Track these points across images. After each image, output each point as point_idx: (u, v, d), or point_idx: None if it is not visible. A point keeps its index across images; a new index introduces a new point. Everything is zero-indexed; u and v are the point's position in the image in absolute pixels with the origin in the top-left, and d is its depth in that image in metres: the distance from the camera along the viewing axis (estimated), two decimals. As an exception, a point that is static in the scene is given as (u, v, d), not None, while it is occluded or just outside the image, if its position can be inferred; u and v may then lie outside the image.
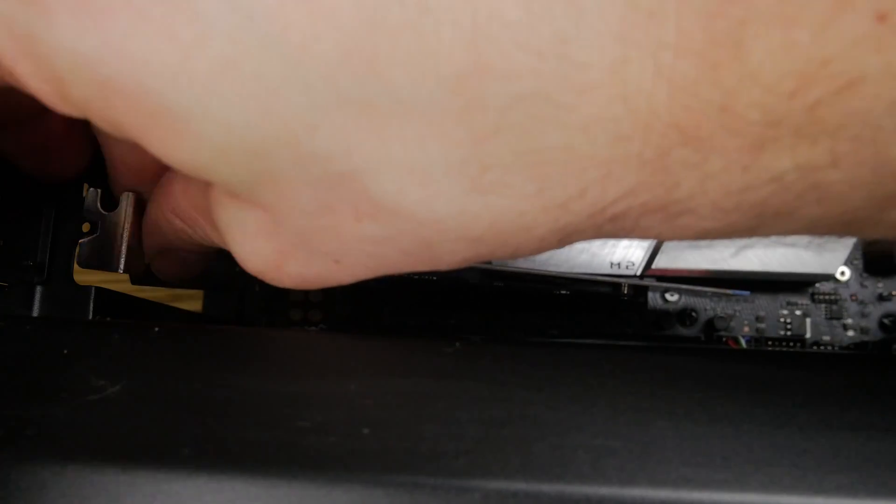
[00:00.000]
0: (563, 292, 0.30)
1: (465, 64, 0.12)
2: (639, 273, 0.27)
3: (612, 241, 0.27)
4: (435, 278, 0.29)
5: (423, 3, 0.11)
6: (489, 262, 0.27)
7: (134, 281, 0.23)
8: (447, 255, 0.14)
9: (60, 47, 0.11)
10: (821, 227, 0.13)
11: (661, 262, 0.27)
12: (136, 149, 0.13)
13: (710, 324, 0.30)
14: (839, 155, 0.12)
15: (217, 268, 0.29)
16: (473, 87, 0.12)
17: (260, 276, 0.16)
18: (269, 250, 0.15)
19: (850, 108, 0.11)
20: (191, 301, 0.34)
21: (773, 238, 0.27)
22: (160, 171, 0.18)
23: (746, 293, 0.30)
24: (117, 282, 0.23)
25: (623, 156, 0.12)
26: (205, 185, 0.16)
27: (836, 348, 0.30)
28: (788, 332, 0.30)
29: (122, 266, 0.20)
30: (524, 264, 0.28)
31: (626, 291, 0.27)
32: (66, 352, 0.15)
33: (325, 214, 0.13)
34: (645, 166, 0.12)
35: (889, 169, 0.12)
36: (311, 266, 0.15)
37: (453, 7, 0.11)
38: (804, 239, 0.27)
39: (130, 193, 0.20)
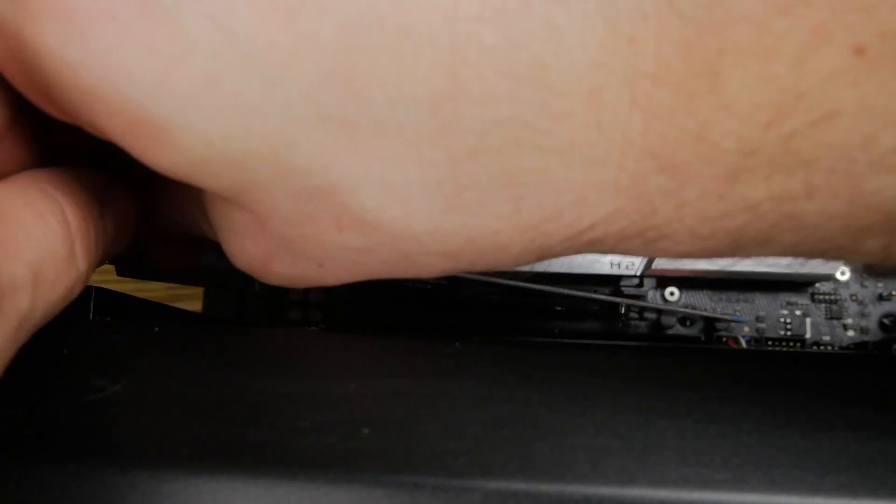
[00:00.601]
0: (559, 308, 0.30)
1: (443, 87, 0.12)
2: (639, 273, 0.27)
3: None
4: (429, 286, 0.29)
5: (403, 26, 0.12)
6: (486, 275, 0.27)
7: (120, 272, 0.23)
8: (425, 266, 0.14)
9: (46, 53, 0.11)
10: (798, 254, 0.13)
11: (661, 262, 0.27)
12: None
13: (710, 324, 0.30)
14: (814, 187, 0.12)
15: (216, 264, 0.29)
16: (451, 110, 0.12)
17: (248, 273, 0.16)
18: (256, 250, 0.15)
19: (824, 140, 0.11)
20: (191, 301, 0.34)
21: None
22: None
23: (746, 320, 0.30)
24: (117, 282, 0.23)
25: (598, 181, 0.13)
26: None
27: (836, 348, 0.30)
28: (788, 332, 0.30)
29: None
30: (523, 270, 0.28)
31: (622, 311, 0.28)
32: (65, 352, 0.15)
33: (307, 223, 0.14)
34: (621, 193, 0.13)
35: (864, 202, 0.12)
36: (296, 268, 0.15)
37: (433, 31, 0.12)
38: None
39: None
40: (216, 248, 0.18)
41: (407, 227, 0.13)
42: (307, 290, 0.32)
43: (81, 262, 0.14)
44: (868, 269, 0.31)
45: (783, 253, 0.13)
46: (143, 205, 0.20)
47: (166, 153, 0.12)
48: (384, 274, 0.15)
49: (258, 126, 0.12)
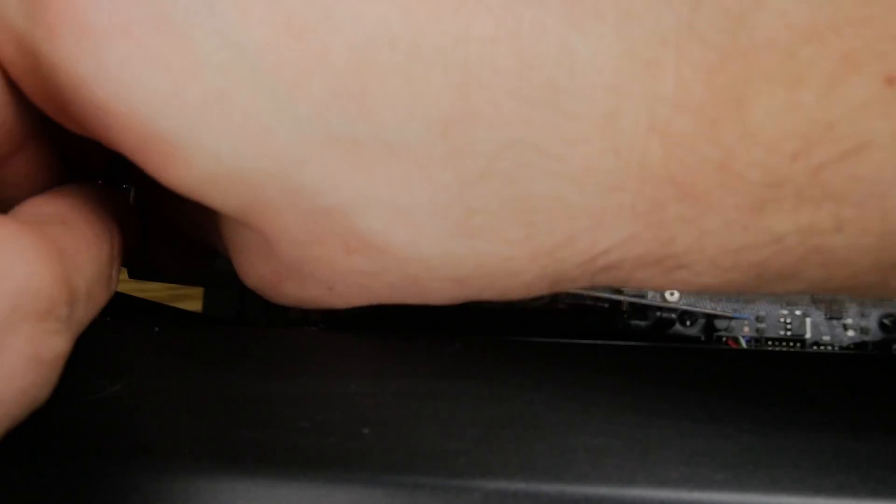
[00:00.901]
0: (562, 307, 0.30)
1: (454, 109, 0.12)
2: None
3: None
4: None
5: (415, 47, 0.11)
6: None
7: (132, 275, 0.23)
8: (434, 292, 0.14)
9: (61, 68, 0.12)
10: (824, 289, 0.13)
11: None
12: None
13: (710, 324, 0.30)
14: (844, 221, 0.11)
15: (217, 265, 0.29)
16: (461, 132, 0.12)
17: (258, 292, 0.16)
18: (266, 271, 0.15)
19: (855, 173, 0.11)
20: (191, 301, 0.34)
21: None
22: None
23: (747, 317, 0.30)
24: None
25: (615, 207, 0.12)
26: None
27: (836, 348, 0.30)
28: (788, 333, 0.30)
29: None
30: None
31: (624, 309, 0.27)
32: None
33: (316, 245, 0.14)
34: (638, 219, 0.12)
35: None
36: (306, 290, 0.15)
37: (445, 52, 0.11)
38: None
39: (132, 188, 0.20)
40: (223, 253, 0.18)
41: (415, 251, 0.13)
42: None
43: (114, 285, 0.15)
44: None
45: (809, 289, 0.13)
46: (159, 213, 0.20)
47: (176, 169, 0.12)
48: (394, 299, 0.15)
49: (267, 144, 0.12)
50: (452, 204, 0.13)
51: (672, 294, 0.30)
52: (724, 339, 0.30)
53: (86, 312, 0.13)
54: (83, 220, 0.14)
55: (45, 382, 0.11)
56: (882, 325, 0.30)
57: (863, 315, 0.30)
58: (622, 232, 0.13)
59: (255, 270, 0.15)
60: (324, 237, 0.13)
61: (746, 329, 0.30)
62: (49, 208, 0.14)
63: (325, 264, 0.14)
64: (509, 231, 0.13)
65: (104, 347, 0.16)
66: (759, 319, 0.30)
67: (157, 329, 0.17)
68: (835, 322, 0.30)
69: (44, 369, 0.11)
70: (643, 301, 0.28)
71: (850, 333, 0.30)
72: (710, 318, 0.30)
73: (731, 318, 0.29)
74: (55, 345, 0.11)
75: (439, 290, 0.14)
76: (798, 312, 0.30)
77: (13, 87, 0.13)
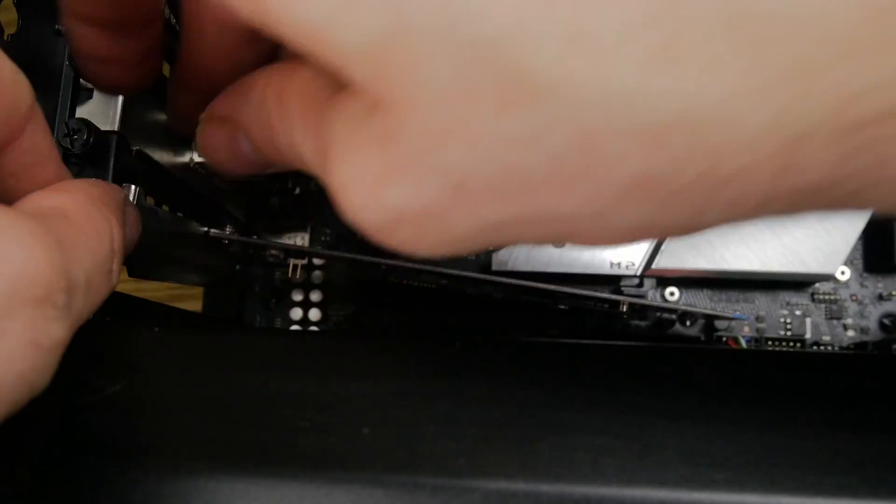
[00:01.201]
0: (563, 307, 0.30)
1: None
2: (639, 273, 0.27)
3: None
4: (434, 286, 0.29)
5: None
6: (488, 273, 0.27)
7: (132, 274, 0.23)
8: (612, 164, 0.10)
9: None
10: None
11: (661, 262, 0.27)
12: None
13: (710, 324, 0.30)
14: None
15: (218, 264, 0.29)
16: None
17: (350, 205, 0.13)
18: (375, 164, 0.12)
19: None
20: (191, 301, 0.34)
21: (772, 236, 0.27)
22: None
23: (747, 318, 0.30)
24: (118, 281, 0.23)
25: (879, 29, 0.09)
26: (326, 87, 0.14)
27: (836, 348, 0.30)
28: (788, 332, 0.30)
29: None
30: (523, 268, 0.28)
31: (623, 310, 0.27)
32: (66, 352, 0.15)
33: (460, 104, 0.11)
34: None
35: None
36: (420, 192, 0.12)
37: None
38: (805, 241, 0.27)
39: (132, 186, 0.20)
40: (221, 252, 0.17)
41: (595, 89, 0.10)
42: (307, 290, 0.32)
43: (115, 278, 0.15)
44: (869, 267, 0.31)
45: None
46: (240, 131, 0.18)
47: None
48: (540, 200, 0.11)
49: None
50: (651, 21, 0.10)
51: (672, 294, 0.30)
52: (724, 339, 0.30)
53: (86, 303, 0.13)
54: (84, 215, 0.14)
55: (43, 368, 0.12)
56: (882, 325, 0.30)
57: (863, 315, 0.30)
58: (888, 66, 0.09)
59: (362, 166, 0.12)
60: (472, 89, 0.11)
61: (746, 329, 0.30)
62: (50, 202, 0.14)
63: (466, 136, 0.11)
64: (729, 58, 0.09)
65: (104, 347, 0.16)
66: (759, 319, 0.31)
67: (157, 329, 0.17)
68: (835, 322, 0.30)
69: (42, 354, 0.11)
70: (643, 301, 0.28)
71: (850, 333, 0.30)
72: (710, 318, 0.30)
73: (731, 319, 0.29)
74: (53, 331, 0.12)
75: (620, 159, 0.10)
76: (798, 312, 0.30)
77: (9, 73, 0.13)
